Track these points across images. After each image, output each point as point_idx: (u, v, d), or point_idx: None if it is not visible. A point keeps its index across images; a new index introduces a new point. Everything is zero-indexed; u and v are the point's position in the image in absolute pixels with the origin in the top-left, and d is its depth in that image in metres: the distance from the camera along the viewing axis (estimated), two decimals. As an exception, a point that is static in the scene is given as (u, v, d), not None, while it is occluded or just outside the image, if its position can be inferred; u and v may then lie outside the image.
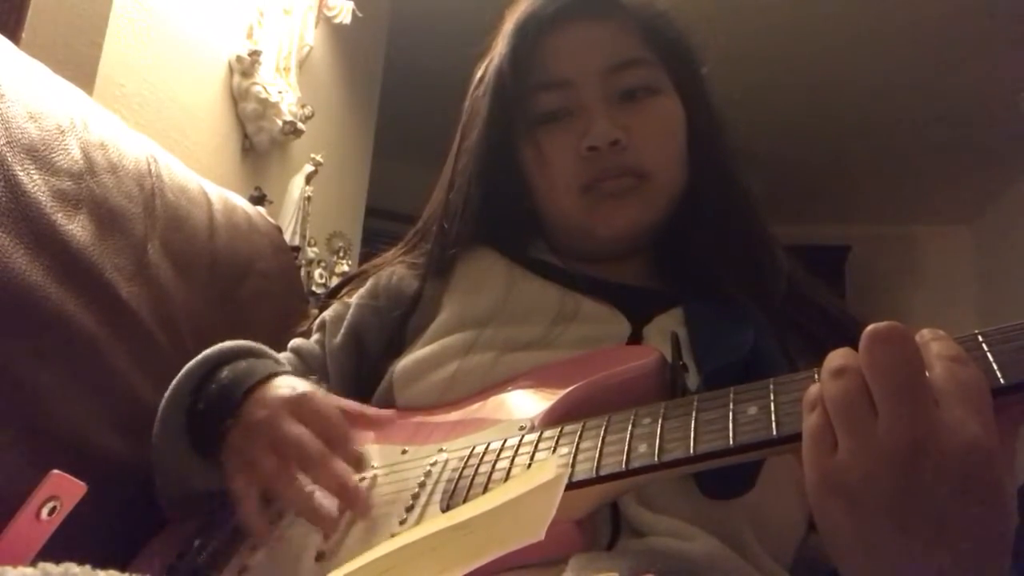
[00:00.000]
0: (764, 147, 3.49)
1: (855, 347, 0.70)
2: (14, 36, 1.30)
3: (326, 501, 0.57)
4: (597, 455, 0.48)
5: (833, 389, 0.41)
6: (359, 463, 0.60)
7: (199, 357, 0.69)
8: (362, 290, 0.82)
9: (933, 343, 0.41)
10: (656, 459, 0.46)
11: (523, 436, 0.55)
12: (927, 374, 0.39)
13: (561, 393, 0.58)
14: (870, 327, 0.40)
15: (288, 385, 0.64)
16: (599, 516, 0.53)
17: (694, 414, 0.47)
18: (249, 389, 0.64)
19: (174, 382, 0.69)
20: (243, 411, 0.63)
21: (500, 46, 0.78)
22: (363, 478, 0.61)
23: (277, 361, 0.73)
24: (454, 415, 0.64)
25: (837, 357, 0.43)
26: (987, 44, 3.12)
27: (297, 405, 0.61)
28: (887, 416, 0.39)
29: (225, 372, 0.67)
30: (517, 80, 0.74)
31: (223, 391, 0.65)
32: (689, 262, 0.76)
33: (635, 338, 0.67)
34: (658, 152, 0.74)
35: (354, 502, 0.56)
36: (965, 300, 4.37)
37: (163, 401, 0.68)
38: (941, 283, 4.54)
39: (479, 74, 0.82)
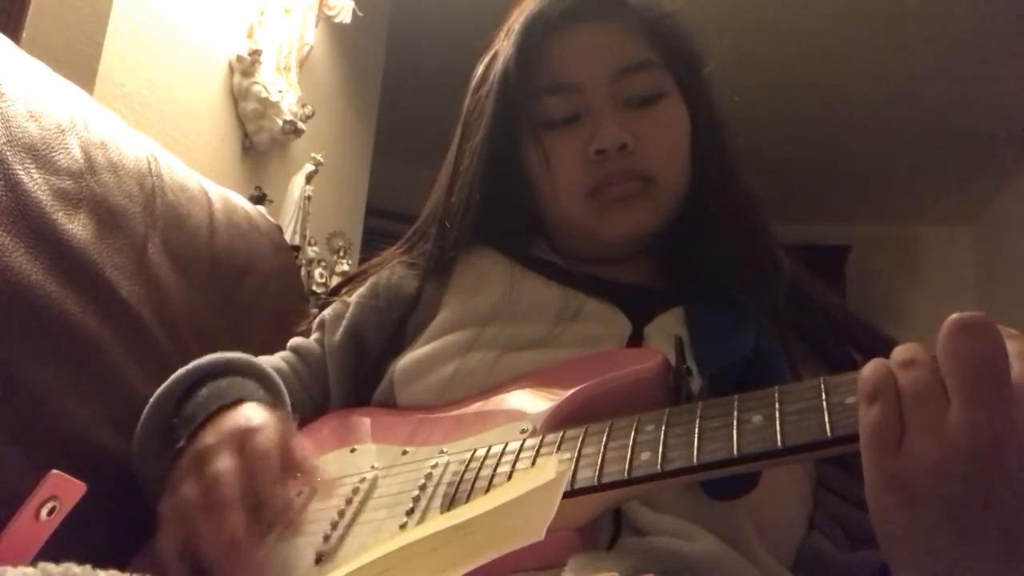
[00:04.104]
0: (765, 147, 3.49)
1: (856, 347, 0.71)
2: (14, 36, 1.30)
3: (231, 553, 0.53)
4: (599, 461, 0.48)
5: (906, 378, 0.40)
6: (284, 506, 0.56)
7: (189, 367, 0.69)
8: (362, 289, 0.82)
9: (1011, 341, 0.39)
10: (659, 468, 0.45)
11: (524, 441, 0.54)
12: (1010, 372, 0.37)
13: (563, 395, 0.58)
14: (953, 316, 0.38)
15: (246, 415, 0.62)
16: (600, 515, 0.52)
17: (697, 422, 0.47)
18: (213, 413, 0.63)
19: (160, 390, 0.68)
20: (198, 435, 0.61)
21: (506, 46, 0.77)
22: (363, 478, 0.60)
23: (262, 377, 0.71)
24: (455, 415, 0.64)
25: (906, 350, 0.41)
26: (988, 44, 3.12)
27: (242, 438, 0.59)
28: (964, 409, 0.37)
29: (204, 390, 0.66)
30: (523, 82, 0.74)
31: (194, 410, 0.64)
32: (690, 262, 0.76)
33: (636, 338, 0.67)
34: (665, 156, 0.73)
35: (232, 563, 0.52)
36: (965, 300, 4.37)
37: (146, 408, 0.68)
38: (941, 283, 4.54)
39: (481, 72, 0.82)
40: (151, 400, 0.68)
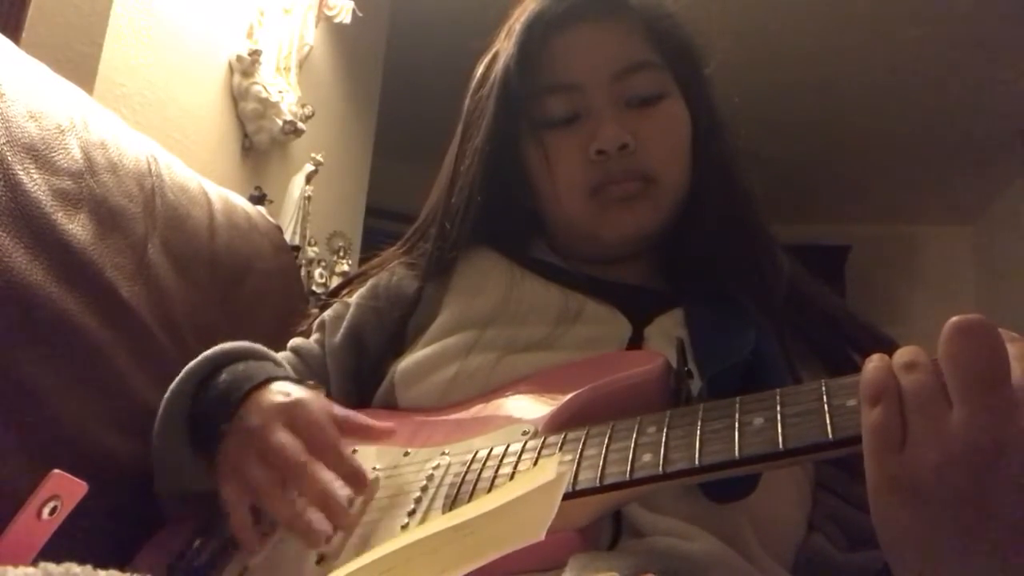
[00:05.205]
0: (764, 147, 3.48)
1: (855, 348, 0.71)
2: (14, 36, 1.30)
3: (315, 515, 0.55)
4: (601, 463, 0.48)
5: (908, 381, 0.40)
6: (354, 471, 0.58)
7: (200, 358, 0.69)
8: (362, 290, 0.82)
9: (1011, 344, 0.39)
10: (660, 469, 0.46)
11: (526, 442, 0.55)
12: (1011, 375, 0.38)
13: (565, 397, 0.58)
14: (954, 319, 0.39)
15: (283, 391, 0.63)
16: (601, 517, 0.53)
17: (699, 424, 0.47)
18: (246, 394, 0.63)
19: (175, 383, 0.68)
20: (238, 417, 0.62)
21: (507, 46, 0.77)
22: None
23: (276, 363, 0.72)
24: (456, 416, 0.64)
25: (907, 352, 0.42)
26: (988, 45, 3.12)
27: (290, 413, 0.60)
28: (966, 411, 0.37)
29: (224, 375, 0.66)
30: (524, 82, 0.74)
31: (221, 395, 0.64)
32: (690, 263, 0.76)
33: (636, 339, 0.67)
34: (665, 156, 0.73)
35: (337, 515, 0.55)
36: (965, 300, 4.37)
37: (163, 401, 0.68)
38: (941, 283, 4.54)
39: (481, 72, 0.82)
40: (168, 392, 0.68)
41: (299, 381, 0.67)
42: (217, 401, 0.64)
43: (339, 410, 0.63)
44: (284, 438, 0.58)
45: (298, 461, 0.56)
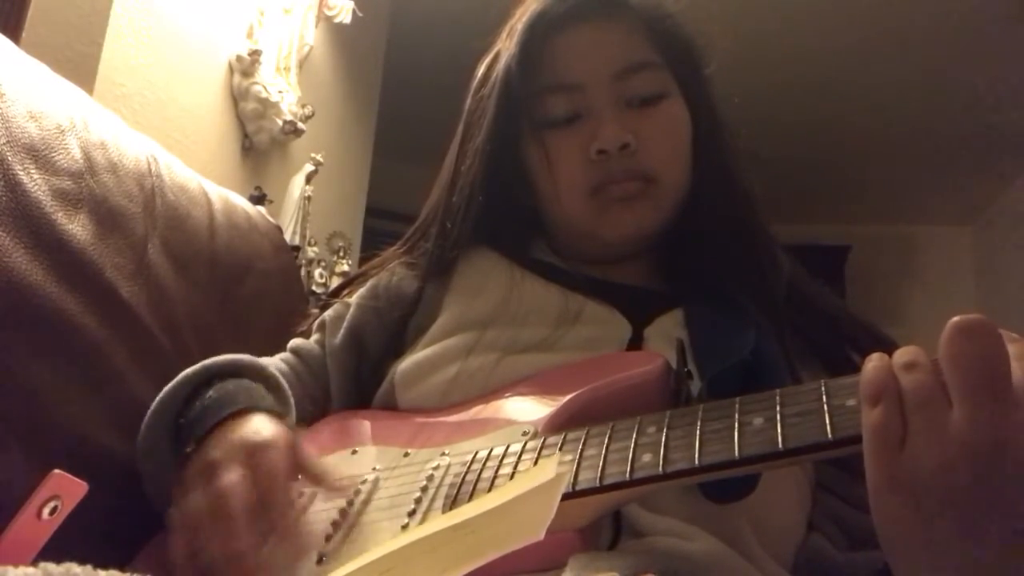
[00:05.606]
0: (764, 147, 3.48)
1: (855, 348, 0.71)
2: (14, 36, 1.30)
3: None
4: (601, 463, 0.48)
5: (907, 380, 0.40)
6: (290, 534, 0.55)
7: (197, 367, 0.68)
8: (362, 290, 0.82)
9: (1012, 344, 0.39)
10: (660, 469, 0.46)
11: (526, 443, 0.55)
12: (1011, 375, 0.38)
13: (564, 398, 0.58)
14: (955, 319, 0.39)
15: (255, 428, 0.61)
16: (601, 517, 0.53)
17: (699, 424, 0.47)
18: (221, 420, 0.62)
19: (164, 391, 0.67)
20: (205, 443, 0.61)
21: (508, 45, 0.77)
22: (364, 480, 0.60)
23: (269, 382, 0.70)
24: (456, 418, 0.64)
25: (907, 352, 0.42)
26: (987, 44, 3.12)
27: (252, 454, 0.58)
28: (966, 411, 0.38)
29: (211, 392, 0.65)
30: (525, 81, 0.74)
31: (202, 413, 0.64)
32: (690, 263, 0.76)
33: (636, 340, 0.67)
34: (666, 156, 0.73)
35: (237, 574, 0.52)
36: (965, 300, 4.38)
37: (152, 406, 0.67)
38: (941, 283, 4.55)
39: (482, 72, 0.82)
40: (157, 399, 0.67)
41: (281, 415, 0.66)
42: (195, 420, 0.63)
43: (303, 456, 0.61)
44: (233, 481, 0.56)
45: (232, 509, 0.54)
